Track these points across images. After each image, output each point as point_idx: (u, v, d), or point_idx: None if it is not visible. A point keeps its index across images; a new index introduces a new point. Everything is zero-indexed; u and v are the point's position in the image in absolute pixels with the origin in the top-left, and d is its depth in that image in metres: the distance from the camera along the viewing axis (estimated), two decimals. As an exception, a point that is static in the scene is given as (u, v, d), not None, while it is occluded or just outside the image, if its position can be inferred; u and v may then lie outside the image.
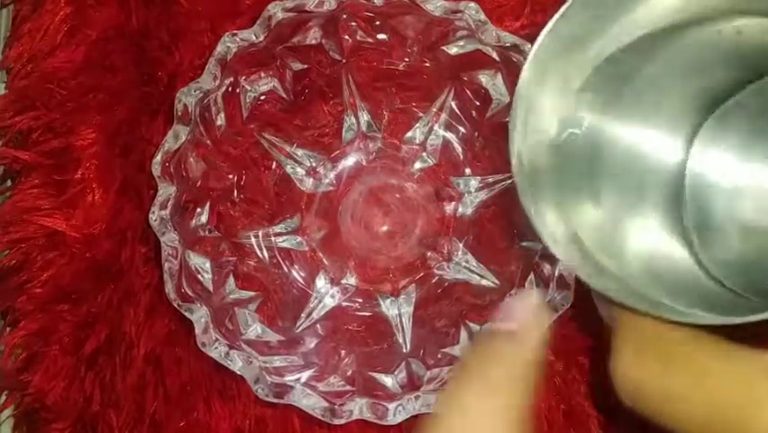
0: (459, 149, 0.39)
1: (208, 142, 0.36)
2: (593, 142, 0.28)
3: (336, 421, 0.32)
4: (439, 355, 0.35)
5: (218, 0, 0.40)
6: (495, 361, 0.23)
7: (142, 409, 0.38)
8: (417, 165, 0.39)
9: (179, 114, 0.34)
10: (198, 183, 0.36)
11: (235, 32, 0.34)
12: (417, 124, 0.39)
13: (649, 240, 0.28)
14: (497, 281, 0.37)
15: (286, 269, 0.38)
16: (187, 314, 0.33)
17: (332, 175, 0.39)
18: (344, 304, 0.38)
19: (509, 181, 0.37)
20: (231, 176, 0.38)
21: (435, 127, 0.39)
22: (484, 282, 0.37)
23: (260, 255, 0.38)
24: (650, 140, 0.29)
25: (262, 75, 0.37)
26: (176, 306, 0.33)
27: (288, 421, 0.37)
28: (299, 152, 0.39)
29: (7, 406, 0.39)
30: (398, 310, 0.37)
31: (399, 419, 0.32)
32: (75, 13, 0.39)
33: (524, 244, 0.36)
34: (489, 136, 0.38)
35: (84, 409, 0.38)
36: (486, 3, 0.35)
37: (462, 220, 0.39)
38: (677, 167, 0.29)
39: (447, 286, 0.38)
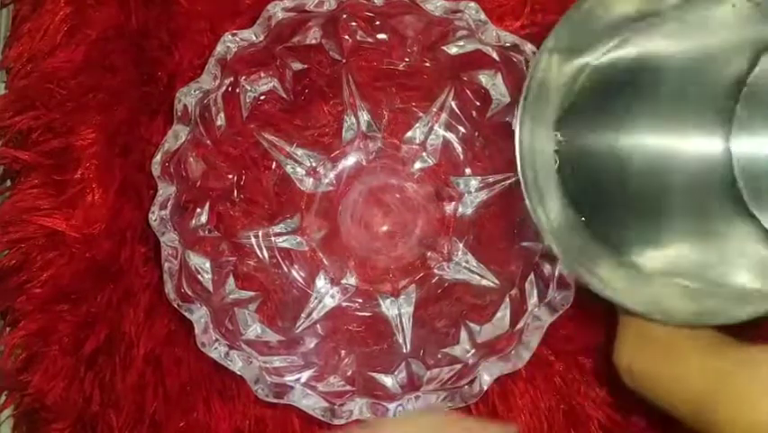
0: (459, 149, 0.39)
1: (208, 142, 0.36)
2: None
3: (336, 421, 0.32)
4: (439, 355, 0.35)
5: (218, 0, 0.40)
6: None
7: (142, 409, 0.38)
8: (417, 165, 0.39)
9: (179, 114, 0.34)
10: (198, 183, 0.36)
11: (235, 31, 0.34)
12: (417, 124, 0.39)
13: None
14: (497, 281, 0.37)
15: (286, 269, 0.38)
16: (186, 314, 0.33)
17: (332, 175, 0.39)
18: (344, 304, 0.38)
19: (509, 181, 0.37)
20: (231, 176, 0.38)
21: (435, 127, 0.39)
22: (484, 282, 0.37)
23: (260, 255, 0.38)
24: (675, 138, 0.29)
25: (262, 75, 0.37)
26: (176, 306, 0.33)
27: (287, 421, 0.37)
28: (299, 151, 0.39)
29: (7, 406, 0.39)
30: (398, 310, 0.37)
31: (399, 419, 0.32)
32: (75, 13, 0.39)
33: (524, 244, 0.36)
34: (489, 136, 0.38)
35: (84, 410, 0.38)
36: (486, 3, 0.35)
37: (462, 220, 0.39)
38: (714, 158, 0.28)
39: (447, 286, 0.38)
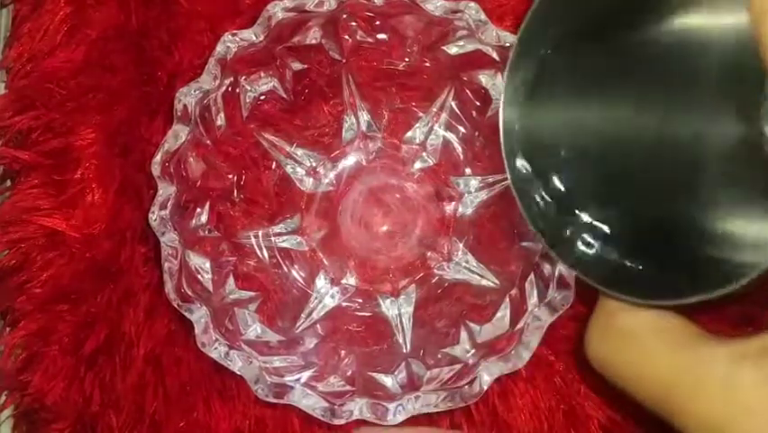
0: (459, 149, 0.39)
1: (208, 142, 0.36)
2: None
3: (336, 421, 0.32)
4: (439, 355, 0.35)
5: (218, 0, 0.40)
6: None
7: (142, 409, 0.38)
8: (417, 165, 0.39)
9: (179, 114, 0.34)
10: (198, 183, 0.36)
11: (235, 31, 0.34)
12: (417, 124, 0.39)
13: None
14: (497, 281, 0.37)
15: (286, 269, 0.38)
16: (186, 314, 0.33)
17: (332, 175, 0.39)
18: (344, 304, 0.38)
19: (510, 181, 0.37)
20: (231, 176, 0.38)
21: (435, 127, 0.39)
22: (484, 282, 0.37)
23: (260, 255, 0.38)
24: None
25: (262, 75, 0.37)
26: (176, 306, 0.33)
27: (287, 421, 0.37)
28: (299, 151, 0.39)
29: (7, 406, 0.39)
30: (398, 310, 0.37)
31: (399, 419, 0.32)
32: (75, 13, 0.39)
33: (524, 244, 0.36)
34: (489, 136, 0.38)
35: (84, 410, 0.38)
36: (486, 2, 0.35)
37: (462, 220, 0.39)
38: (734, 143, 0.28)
39: (447, 286, 0.38)
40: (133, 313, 0.38)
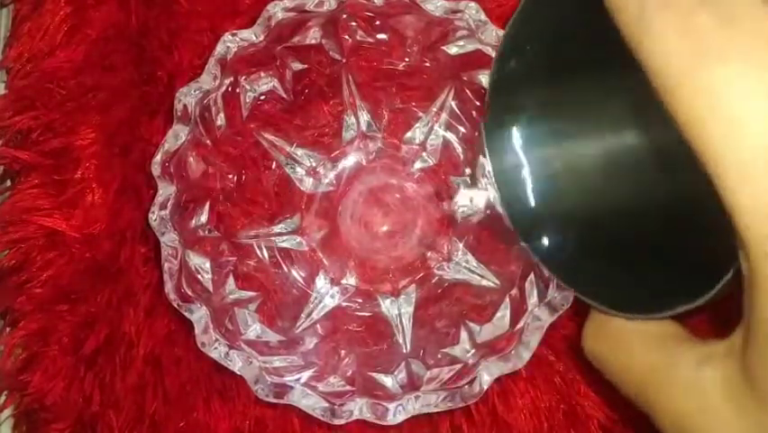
0: (459, 149, 0.39)
1: (208, 142, 0.36)
2: None
3: (336, 421, 0.32)
4: (439, 355, 0.35)
5: (218, 0, 0.40)
6: None
7: (142, 409, 0.38)
8: (417, 165, 0.39)
9: (179, 114, 0.34)
10: (198, 183, 0.36)
11: (235, 31, 0.34)
12: (417, 124, 0.39)
13: None
14: (497, 281, 0.37)
15: (286, 269, 0.38)
16: (186, 314, 0.33)
17: (332, 175, 0.39)
18: (344, 304, 0.38)
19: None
20: (231, 176, 0.38)
21: (435, 127, 0.39)
22: (484, 282, 0.37)
23: (260, 255, 0.38)
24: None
25: (262, 75, 0.37)
26: (176, 306, 0.33)
27: (287, 421, 0.37)
28: (299, 151, 0.39)
29: (7, 406, 0.39)
30: (398, 310, 0.37)
31: (399, 419, 0.32)
32: (75, 13, 0.39)
33: (524, 244, 0.36)
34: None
35: (83, 410, 0.38)
36: (486, 3, 0.35)
37: (462, 220, 0.39)
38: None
39: (447, 286, 0.38)
40: (133, 313, 0.38)
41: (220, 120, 0.36)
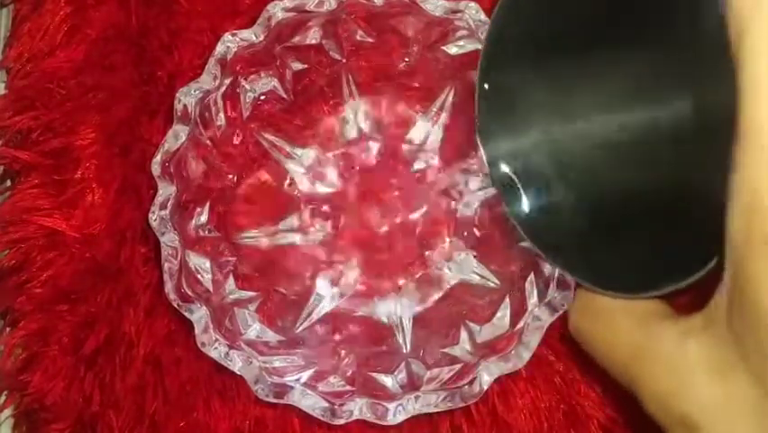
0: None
1: (208, 142, 0.36)
2: None
3: (336, 421, 0.32)
4: (439, 355, 0.35)
5: (218, 0, 0.40)
6: None
7: (142, 409, 0.38)
8: (417, 165, 0.39)
9: (179, 114, 0.34)
10: (198, 183, 0.36)
11: (235, 31, 0.34)
12: (417, 124, 0.39)
13: None
14: (497, 281, 0.37)
15: (286, 269, 0.38)
16: (186, 314, 0.33)
17: (332, 175, 0.39)
18: (344, 304, 0.38)
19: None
20: (231, 176, 0.38)
21: (435, 127, 0.39)
22: (484, 282, 0.37)
23: (260, 255, 0.38)
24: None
25: (262, 75, 0.37)
26: (176, 306, 0.33)
27: (287, 421, 0.37)
28: (299, 151, 0.39)
29: (7, 406, 0.39)
30: (398, 310, 0.37)
31: (399, 418, 0.32)
32: (75, 13, 0.39)
33: (524, 244, 0.36)
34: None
35: (83, 410, 0.38)
36: (486, 3, 0.35)
37: (463, 220, 0.39)
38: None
39: (447, 286, 0.38)
40: (133, 313, 0.38)
41: (220, 120, 0.36)
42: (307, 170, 0.39)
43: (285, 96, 0.38)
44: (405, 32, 0.36)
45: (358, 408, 0.32)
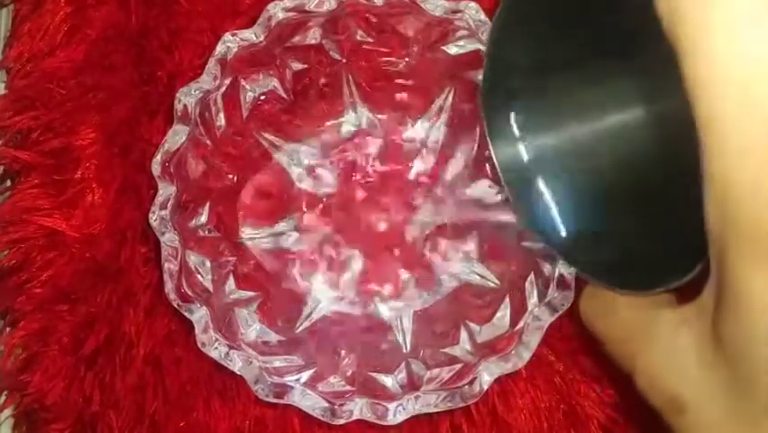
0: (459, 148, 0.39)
1: (208, 142, 0.36)
2: None
3: (336, 421, 0.32)
4: (439, 355, 0.35)
5: (218, 0, 0.40)
6: None
7: (142, 409, 0.38)
8: (417, 165, 0.39)
9: (179, 114, 0.34)
10: (198, 183, 0.36)
11: (235, 31, 0.34)
12: (417, 124, 0.39)
13: None
14: (497, 281, 0.37)
15: (286, 269, 0.38)
16: (186, 314, 0.33)
17: (332, 175, 0.39)
18: (344, 304, 0.38)
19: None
20: (231, 176, 0.38)
21: (435, 127, 0.39)
22: (484, 282, 0.37)
23: (260, 255, 0.38)
24: None
25: (262, 75, 0.37)
26: (176, 306, 0.33)
27: (288, 421, 0.37)
28: (299, 151, 0.39)
29: (7, 406, 0.39)
30: (398, 310, 0.37)
31: (399, 419, 0.32)
32: (75, 13, 0.39)
33: (524, 244, 0.36)
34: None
35: (83, 410, 0.38)
36: (486, 3, 0.35)
37: (463, 220, 0.39)
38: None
39: (447, 286, 0.38)
40: (133, 313, 0.38)
41: (220, 120, 0.36)
42: (307, 170, 0.39)
43: (285, 96, 0.38)
44: (405, 32, 0.36)
45: (358, 408, 0.32)
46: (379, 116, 0.39)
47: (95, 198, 0.38)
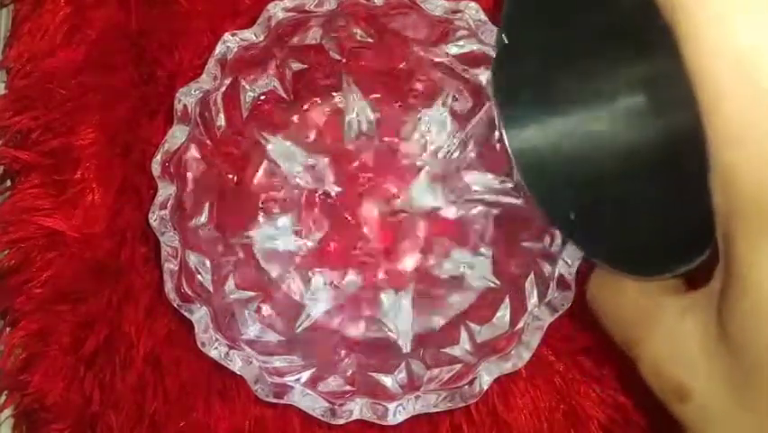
0: (459, 148, 0.39)
1: (208, 142, 0.36)
2: None
3: (336, 421, 0.32)
4: (439, 355, 0.35)
5: (218, 0, 0.40)
6: None
7: (142, 409, 0.38)
8: (417, 165, 0.39)
9: (179, 114, 0.34)
10: (198, 183, 0.36)
11: (235, 31, 0.34)
12: (417, 124, 0.39)
13: None
14: (497, 281, 0.37)
15: (286, 268, 0.38)
16: (186, 314, 0.33)
17: (331, 175, 0.39)
18: (344, 304, 0.38)
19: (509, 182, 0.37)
20: (231, 176, 0.38)
21: (436, 127, 0.39)
22: (484, 282, 0.37)
23: (260, 255, 0.38)
24: None
25: (262, 75, 0.37)
26: (176, 306, 0.33)
27: (287, 421, 0.37)
28: (299, 151, 0.39)
29: (7, 406, 0.39)
30: (398, 310, 0.37)
31: (399, 419, 0.32)
32: (75, 13, 0.39)
33: (524, 244, 0.36)
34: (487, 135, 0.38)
35: (83, 410, 0.38)
36: (486, 3, 0.35)
37: (462, 220, 0.39)
38: None
39: (447, 285, 0.38)
40: (133, 313, 0.38)
41: (220, 120, 0.36)
42: (307, 169, 0.39)
43: (285, 96, 0.38)
44: (405, 32, 0.36)
45: (358, 408, 0.32)
46: (379, 116, 0.39)
47: (95, 197, 0.38)
